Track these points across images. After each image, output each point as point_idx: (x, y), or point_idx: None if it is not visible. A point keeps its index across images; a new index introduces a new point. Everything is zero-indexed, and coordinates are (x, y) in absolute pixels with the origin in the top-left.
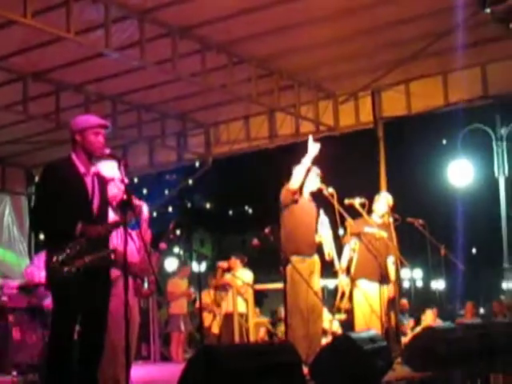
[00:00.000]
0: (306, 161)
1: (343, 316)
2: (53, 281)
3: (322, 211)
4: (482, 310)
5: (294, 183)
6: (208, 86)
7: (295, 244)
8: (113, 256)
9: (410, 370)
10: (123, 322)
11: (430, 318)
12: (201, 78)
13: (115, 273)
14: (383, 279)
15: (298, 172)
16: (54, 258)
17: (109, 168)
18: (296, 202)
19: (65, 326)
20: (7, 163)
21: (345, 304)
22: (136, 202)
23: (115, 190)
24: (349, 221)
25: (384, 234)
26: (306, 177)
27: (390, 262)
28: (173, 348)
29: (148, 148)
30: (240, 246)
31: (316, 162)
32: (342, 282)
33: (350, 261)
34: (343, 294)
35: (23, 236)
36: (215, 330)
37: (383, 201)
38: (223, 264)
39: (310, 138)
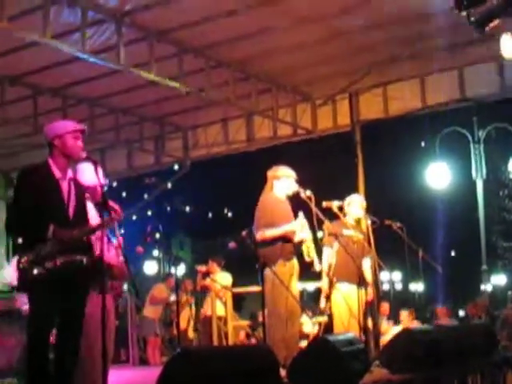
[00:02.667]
0: (288, 228)
1: (325, 318)
2: (22, 282)
3: (301, 213)
4: (461, 313)
5: (264, 236)
6: (186, 90)
7: (276, 247)
8: (85, 260)
9: (388, 372)
10: (100, 326)
11: (405, 320)
12: (179, 82)
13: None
14: (361, 282)
15: (275, 232)
16: (24, 259)
17: (89, 172)
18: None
19: (38, 327)
20: None
21: (328, 306)
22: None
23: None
24: (326, 223)
25: (361, 237)
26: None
27: (367, 264)
28: (149, 352)
29: (126, 152)
30: (219, 249)
31: (293, 164)
32: (325, 284)
33: (331, 264)
34: (327, 296)
35: (1, 239)
36: (191, 334)
37: (357, 204)
38: (201, 268)
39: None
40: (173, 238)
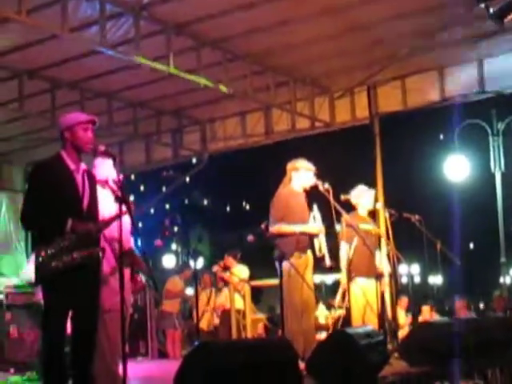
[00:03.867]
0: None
1: (342, 311)
2: (41, 275)
3: (315, 206)
4: (481, 305)
5: (277, 230)
6: (204, 83)
7: (292, 240)
8: (101, 254)
9: (407, 364)
10: (118, 315)
11: (426, 314)
12: (197, 75)
13: (111, 265)
14: (378, 275)
15: (291, 229)
16: (43, 253)
17: (106, 167)
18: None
19: (54, 321)
20: (4, 161)
21: (345, 302)
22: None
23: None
24: (345, 216)
25: (377, 229)
26: None
27: (378, 256)
28: (169, 345)
29: (144, 145)
30: (238, 242)
31: (311, 157)
32: (344, 279)
33: (349, 261)
34: (344, 291)
35: (20, 234)
36: (204, 325)
37: (367, 195)
38: (219, 267)
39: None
40: (191, 231)
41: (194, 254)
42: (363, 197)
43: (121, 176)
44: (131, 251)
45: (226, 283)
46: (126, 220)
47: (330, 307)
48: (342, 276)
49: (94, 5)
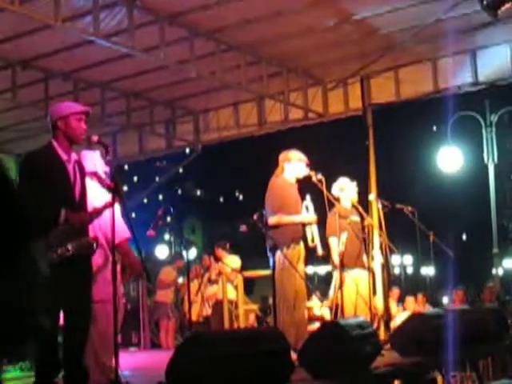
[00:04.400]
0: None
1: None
2: None
3: (308, 196)
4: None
5: (275, 222)
6: (197, 74)
7: (288, 231)
8: (95, 244)
9: (399, 355)
10: (111, 308)
11: (410, 305)
12: (189, 65)
13: (104, 256)
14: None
15: (288, 220)
16: None
17: (93, 158)
18: None
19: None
20: None
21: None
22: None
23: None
24: (338, 207)
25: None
26: None
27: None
28: (162, 335)
29: (137, 135)
30: (231, 233)
31: (305, 148)
32: (336, 273)
33: (342, 254)
34: (338, 285)
35: None
36: (193, 317)
37: (351, 187)
38: (206, 260)
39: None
40: (184, 221)
41: (186, 245)
42: (346, 189)
43: (107, 167)
44: (125, 243)
45: (219, 274)
46: (118, 210)
47: (321, 299)
48: (334, 269)
49: None
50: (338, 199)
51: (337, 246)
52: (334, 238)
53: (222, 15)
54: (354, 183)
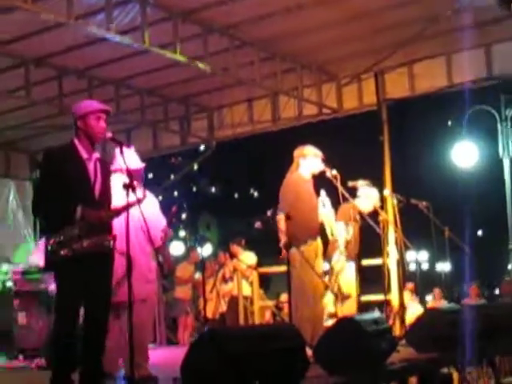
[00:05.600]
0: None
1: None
2: (50, 263)
3: (323, 192)
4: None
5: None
6: (211, 70)
7: (303, 227)
8: (111, 242)
9: (414, 351)
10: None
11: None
12: (203, 62)
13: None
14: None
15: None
16: (52, 241)
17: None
18: None
19: (65, 309)
20: (11, 149)
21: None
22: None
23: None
24: (352, 203)
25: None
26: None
27: None
28: (180, 332)
29: (152, 132)
30: (246, 230)
31: (319, 144)
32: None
33: (347, 242)
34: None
35: (28, 221)
36: (208, 314)
37: (370, 200)
38: (222, 257)
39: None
40: (199, 218)
41: (201, 241)
42: (366, 199)
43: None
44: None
45: (233, 271)
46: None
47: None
48: (335, 259)
49: None
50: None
51: (344, 232)
52: (341, 223)
53: (235, 11)
54: (372, 194)
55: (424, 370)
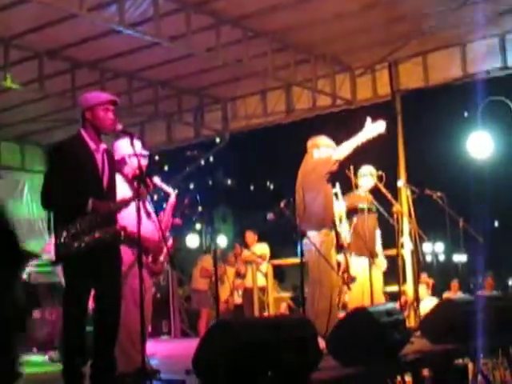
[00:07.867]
0: (360, 137)
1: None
2: (62, 255)
3: (338, 185)
4: (510, 282)
5: (340, 154)
6: (223, 61)
7: (324, 216)
8: (123, 233)
9: (429, 342)
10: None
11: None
12: (216, 53)
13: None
14: (373, 254)
15: (348, 146)
16: (64, 233)
17: (126, 145)
18: (333, 173)
19: (75, 302)
20: (25, 141)
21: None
22: (158, 183)
23: (129, 169)
24: (366, 195)
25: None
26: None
27: (378, 235)
28: (201, 324)
29: (165, 124)
30: (262, 222)
31: (333, 135)
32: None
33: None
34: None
35: (43, 214)
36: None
37: (366, 174)
38: (238, 249)
39: (369, 120)
40: (215, 211)
41: (213, 233)
42: (362, 177)
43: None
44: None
45: (245, 262)
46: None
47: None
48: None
49: None
50: (357, 187)
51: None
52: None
53: (247, 2)
54: (369, 169)
55: (438, 362)
